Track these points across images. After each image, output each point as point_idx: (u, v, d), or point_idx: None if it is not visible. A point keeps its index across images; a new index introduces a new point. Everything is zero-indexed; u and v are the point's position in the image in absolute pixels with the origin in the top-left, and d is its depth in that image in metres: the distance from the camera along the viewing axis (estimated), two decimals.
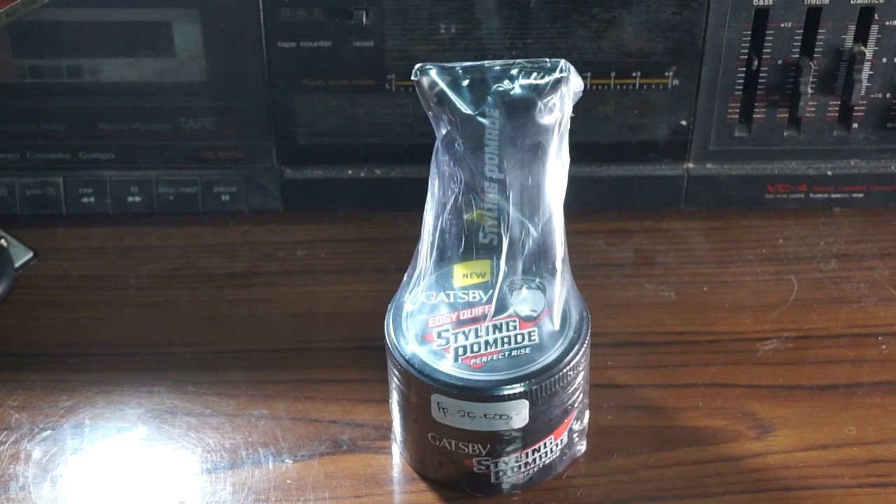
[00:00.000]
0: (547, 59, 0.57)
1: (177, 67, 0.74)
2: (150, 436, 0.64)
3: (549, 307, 0.58)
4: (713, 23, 0.72)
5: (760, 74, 0.74)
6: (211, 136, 0.76)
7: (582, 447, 0.62)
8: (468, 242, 0.59)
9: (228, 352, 0.69)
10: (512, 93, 0.56)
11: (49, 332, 0.71)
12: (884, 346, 0.69)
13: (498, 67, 0.57)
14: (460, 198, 0.58)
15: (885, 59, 0.73)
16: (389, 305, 0.60)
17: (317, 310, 0.72)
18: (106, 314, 0.72)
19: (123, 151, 0.77)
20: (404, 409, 0.59)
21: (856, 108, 0.75)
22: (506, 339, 0.57)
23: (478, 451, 0.58)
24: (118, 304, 0.73)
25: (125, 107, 0.75)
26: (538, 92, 0.56)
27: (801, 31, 0.72)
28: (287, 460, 0.62)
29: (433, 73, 0.57)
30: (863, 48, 0.72)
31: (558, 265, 0.59)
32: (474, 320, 0.58)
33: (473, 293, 0.59)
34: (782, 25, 0.72)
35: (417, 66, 0.57)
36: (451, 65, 0.57)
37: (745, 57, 0.73)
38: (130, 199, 0.78)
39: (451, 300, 0.59)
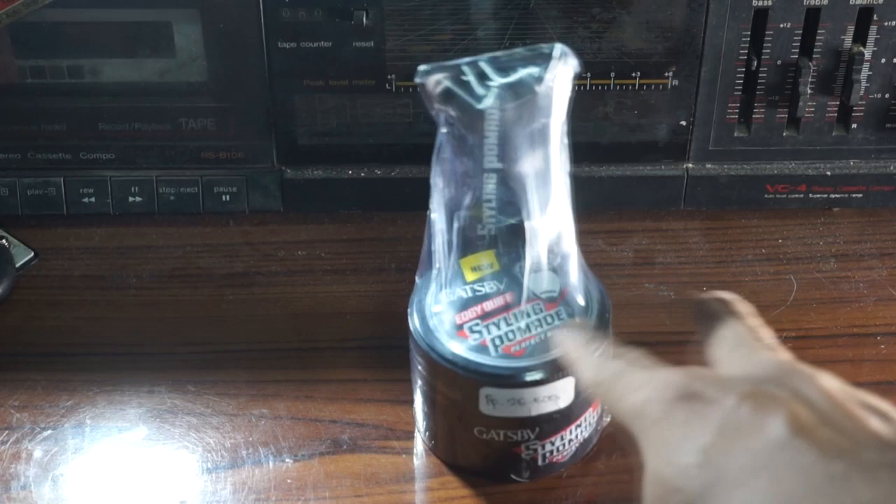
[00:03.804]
0: (543, 45, 0.57)
1: (177, 68, 0.74)
2: (151, 435, 0.64)
3: (565, 287, 0.59)
4: (713, 23, 0.72)
5: (760, 75, 0.74)
6: (211, 137, 0.77)
7: (608, 417, 0.63)
8: (472, 236, 0.60)
9: (229, 352, 0.69)
10: (512, 81, 0.56)
11: (50, 332, 0.71)
12: (882, 346, 0.69)
13: (497, 57, 0.57)
14: (468, 192, 0.59)
15: (883, 60, 0.73)
16: (409, 310, 0.60)
17: (317, 310, 0.72)
18: (106, 314, 0.72)
19: (124, 152, 0.77)
20: (445, 408, 0.59)
21: (855, 108, 0.75)
22: (537, 323, 0.58)
23: (527, 437, 0.59)
24: (119, 304, 0.73)
25: (126, 107, 0.76)
26: (538, 78, 0.56)
27: (801, 31, 0.72)
28: (287, 460, 0.62)
29: (436, 71, 0.57)
30: (862, 49, 0.73)
31: (572, 245, 0.59)
32: (499, 310, 0.59)
33: (489, 285, 0.60)
34: (781, 26, 0.72)
35: (421, 67, 0.57)
36: (451, 62, 0.57)
37: (745, 57, 0.73)
38: (131, 199, 0.78)
39: (471, 294, 0.60)
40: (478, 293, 0.59)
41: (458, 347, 0.58)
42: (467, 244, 0.60)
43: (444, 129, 0.57)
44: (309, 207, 0.79)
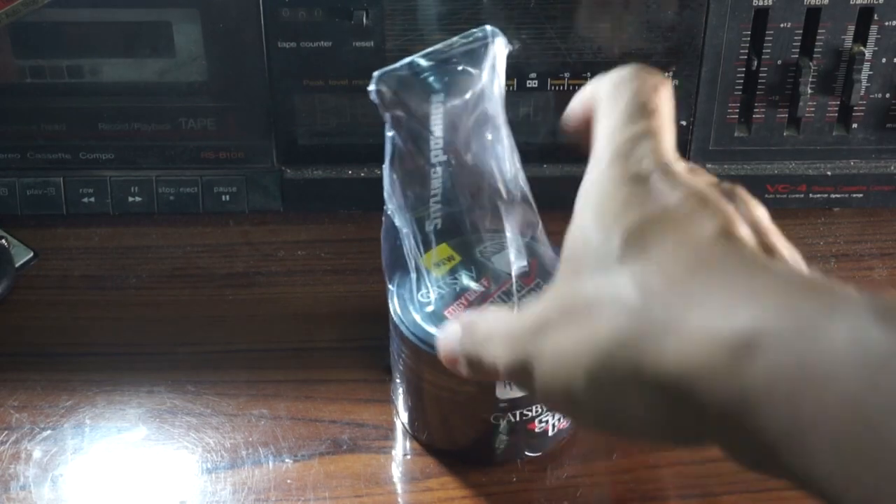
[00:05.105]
0: (476, 30, 0.57)
1: (177, 67, 0.74)
2: (151, 435, 0.64)
3: (533, 257, 0.60)
4: (713, 23, 0.72)
5: (760, 75, 0.74)
6: (211, 137, 0.77)
7: None
8: (427, 232, 0.60)
9: (229, 352, 0.69)
10: (454, 71, 0.57)
11: (49, 332, 0.71)
12: None
13: (437, 50, 0.57)
14: (425, 189, 0.59)
15: (884, 60, 0.73)
16: (396, 318, 0.60)
17: (317, 310, 0.72)
18: (106, 314, 0.72)
19: (124, 151, 0.77)
20: (456, 405, 0.59)
21: (855, 108, 0.75)
22: (523, 299, 0.58)
23: (540, 410, 0.59)
24: (118, 304, 0.73)
25: (126, 107, 0.76)
26: (477, 62, 0.57)
27: (801, 31, 0.72)
28: (287, 460, 0.62)
29: (386, 75, 0.57)
30: (862, 48, 0.73)
31: (534, 216, 0.60)
32: (483, 297, 0.59)
33: (462, 275, 0.60)
34: (782, 26, 0.72)
35: (375, 74, 0.57)
36: (394, 65, 0.57)
37: (745, 57, 0.73)
38: (131, 199, 0.78)
39: (449, 288, 0.60)
40: (455, 286, 0.60)
41: None
42: (426, 241, 0.60)
43: (392, 132, 0.57)
44: (309, 207, 0.79)
